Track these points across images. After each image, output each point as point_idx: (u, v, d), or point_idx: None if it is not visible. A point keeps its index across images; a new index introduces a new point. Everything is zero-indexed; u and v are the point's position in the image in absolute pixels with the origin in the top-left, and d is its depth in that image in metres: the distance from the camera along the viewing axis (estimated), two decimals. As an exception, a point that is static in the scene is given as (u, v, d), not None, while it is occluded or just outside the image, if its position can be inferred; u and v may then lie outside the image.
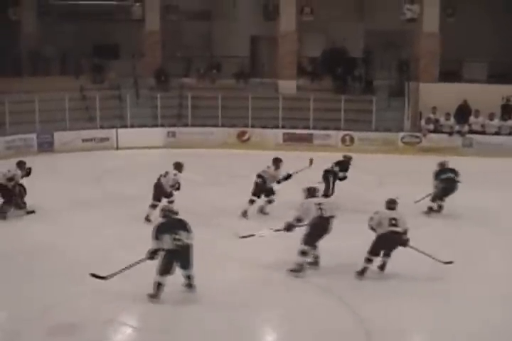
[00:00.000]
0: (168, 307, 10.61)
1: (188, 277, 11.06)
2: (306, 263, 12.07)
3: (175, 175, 15.08)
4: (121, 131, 24.61)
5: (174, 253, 10.72)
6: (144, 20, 28.90)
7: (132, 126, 25.07)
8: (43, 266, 12.27)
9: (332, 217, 11.96)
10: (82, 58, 28.20)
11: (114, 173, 20.47)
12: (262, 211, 15.98)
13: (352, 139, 24.45)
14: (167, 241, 10.70)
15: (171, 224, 10.94)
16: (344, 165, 17.06)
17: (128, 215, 15.51)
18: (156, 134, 24.77)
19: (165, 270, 10.73)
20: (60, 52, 28.45)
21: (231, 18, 29.73)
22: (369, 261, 11.71)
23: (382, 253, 11.77)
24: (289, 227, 12.17)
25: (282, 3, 26.85)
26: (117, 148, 24.31)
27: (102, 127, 24.93)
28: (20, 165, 15.73)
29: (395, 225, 11.51)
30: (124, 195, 17.53)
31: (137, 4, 29.15)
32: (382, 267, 12.00)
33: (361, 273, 11.75)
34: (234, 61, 28.04)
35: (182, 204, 16.16)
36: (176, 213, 11.37)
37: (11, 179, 15.33)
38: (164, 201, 14.98)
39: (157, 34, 28.59)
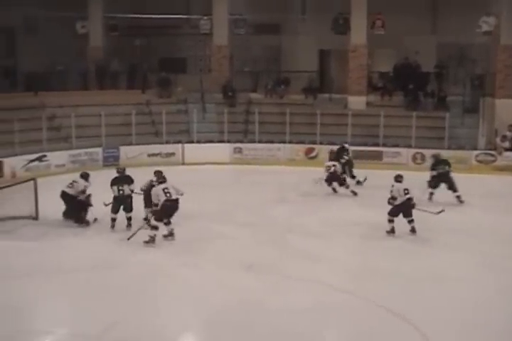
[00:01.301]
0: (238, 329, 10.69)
1: (129, 219, 15.88)
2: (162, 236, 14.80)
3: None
4: (187, 146, 24.95)
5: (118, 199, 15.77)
6: (211, 34, 29.29)
7: (198, 142, 25.38)
8: (106, 282, 12.47)
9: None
10: (149, 72, 28.72)
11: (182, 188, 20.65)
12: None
13: (423, 157, 24.17)
14: (114, 190, 15.78)
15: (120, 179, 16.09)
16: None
17: (191, 231, 15.73)
18: (223, 150, 25.06)
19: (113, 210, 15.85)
20: (127, 66, 29.01)
21: (300, 31, 29.89)
22: (391, 221, 15.31)
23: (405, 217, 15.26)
24: None
25: (353, 16, 26.90)
26: (183, 164, 24.62)
27: (167, 142, 25.33)
28: (85, 176, 16.46)
29: (408, 193, 15.14)
30: (187, 210, 17.70)
31: (205, 18, 29.52)
32: (413, 230, 15.36)
33: (391, 231, 15.37)
34: (302, 76, 28.16)
35: (249, 220, 16.47)
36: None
37: (83, 191, 16.21)
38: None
39: (225, 48, 28.97)
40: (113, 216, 15.92)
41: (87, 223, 16.34)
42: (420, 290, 12.11)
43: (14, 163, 21.68)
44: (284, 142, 25.50)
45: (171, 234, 15.08)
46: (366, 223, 16.50)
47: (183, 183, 20.64)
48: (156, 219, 14.81)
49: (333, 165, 19.76)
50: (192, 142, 25.34)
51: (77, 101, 25.73)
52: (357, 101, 26.92)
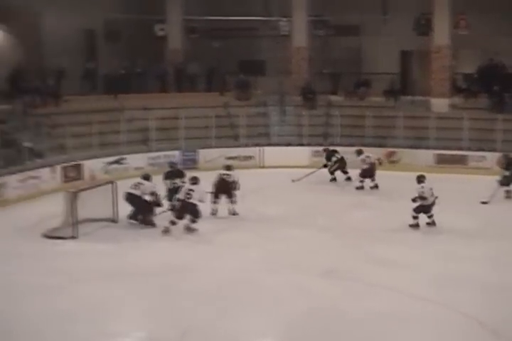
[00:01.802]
0: (315, 336, 10.51)
1: None
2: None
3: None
4: (266, 149, 24.90)
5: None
6: (291, 36, 29.20)
7: (277, 145, 25.28)
8: (185, 286, 12.48)
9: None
10: (228, 75, 28.78)
11: (258, 192, 20.64)
12: None
13: (508, 161, 23.58)
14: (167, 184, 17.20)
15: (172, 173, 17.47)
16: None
17: (269, 236, 15.69)
18: (302, 153, 24.89)
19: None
20: (206, 68, 29.13)
21: (381, 32, 29.51)
22: (416, 217, 15.98)
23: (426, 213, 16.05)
24: None
25: (436, 16, 26.43)
26: (262, 167, 24.58)
27: (246, 145, 25.33)
28: (148, 177, 16.92)
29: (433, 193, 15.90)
30: (266, 214, 17.69)
31: (284, 19, 29.46)
32: (433, 222, 16.26)
33: (415, 225, 16.11)
34: (384, 78, 27.82)
35: (328, 225, 16.29)
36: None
37: (153, 193, 16.53)
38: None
39: (304, 50, 28.83)
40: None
41: (153, 225, 16.51)
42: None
43: (93, 166, 21.98)
44: (364, 145, 25.09)
45: (167, 231, 15.85)
46: (450, 229, 16.14)
47: (261, 187, 20.83)
48: (175, 217, 15.89)
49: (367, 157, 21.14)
50: (271, 145, 25.27)
51: (155, 103, 25.98)
52: (440, 104, 26.40)
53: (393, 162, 24.65)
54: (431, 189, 16.05)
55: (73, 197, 15.86)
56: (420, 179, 16.20)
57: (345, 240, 15.49)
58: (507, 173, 19.14)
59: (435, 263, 13.79)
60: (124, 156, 22.19)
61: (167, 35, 30.33)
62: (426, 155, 24.47)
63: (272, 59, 30.74)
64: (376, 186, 21.00)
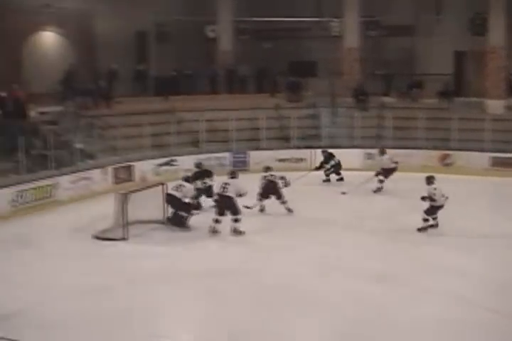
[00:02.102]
0: None
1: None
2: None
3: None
4: (317, 151, 24.64)
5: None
6: (342, 37, 29.07)
7: (329, 147, 24.94)
8: (233, 290, 12.45)
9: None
10: (279, 76, 28.71)
11: (308, 195, 20.54)
12: None
13: None
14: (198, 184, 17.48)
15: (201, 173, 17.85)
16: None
17: (318, 239, 15.59)
18: (354, 156, 24.62)
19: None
20: (256, 70, 29.13)
21: (434, 32, 29.20)
22: (427, 220, 15.91)
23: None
24: None
25: (492, 16, 26.05)
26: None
27: (297, 147, 25.18)
28: (188, 180, 16.99)
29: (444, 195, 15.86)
30: (315, 217, 17.57)
31: (336, 20, 29.35)
32: (437, 224, 16.15)
33: (424, 229, 16.02)
34: (437, 79, 27.49)
35: (381, 229, 16.10)
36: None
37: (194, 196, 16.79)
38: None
39: (356, 51, 28.64)
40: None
41: (188, 228, 16.56)
42: None
43: (144, 167, 22.11)
44: (417, 148, 24.86)
45: (214, 231, 16.07)
46: (506, 234, 15.88)
47: (311, 189, 20.72)
48: (216, 213, 16.10)
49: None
50: (322, 147, 24.94)
51: (206, 105, 26.06)
52: (495, 105, 26.02)
53: (447, 165, 24.32)
54: (439, 191, 15.89)
55: (124, 198, 15.96)
56: (430, 180, 16.07)
57: (397, 244, 15.33)
58: None
59: (489, 268, 13.57)
60: (175, 158, 22.25)
61: (218, 36, 30.42)
62: (481, 158, 24.06)
63: (323, 60, 30.64)
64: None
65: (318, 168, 22.52)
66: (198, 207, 17.00)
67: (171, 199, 16.63)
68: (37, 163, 19.85)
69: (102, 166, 20.91)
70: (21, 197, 18.36)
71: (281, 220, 17.54)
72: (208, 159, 23.58)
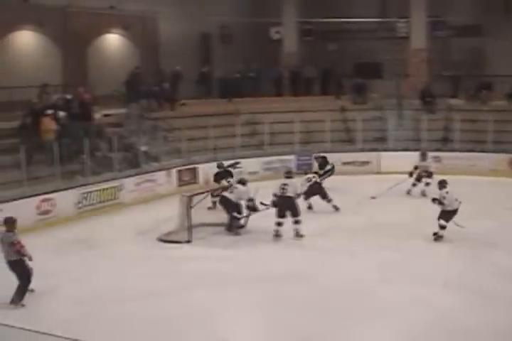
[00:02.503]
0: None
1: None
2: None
3: None
4: (383, 154, 24.50)
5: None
6: (409, 38, 28.77)
7: (395, 150, 24.77)
8: (298, 294, 12.31)
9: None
10: (344, 78, 28.52)
11: (375, 199, 20.31)
12: None
13: None
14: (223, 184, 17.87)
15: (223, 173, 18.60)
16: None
17: (382, 244, 15.31)
18: (420, 159, 24.26)
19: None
20: (321, 71, 28.99)
21: (504, 32, 28.64)
22: (444, 227, 15.45)
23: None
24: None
25: None
26: (378, 172, 24.19)
27: (362, 150, 24.98)
28: (243, 182, 16.94)
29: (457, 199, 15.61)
30: (380, 222, 17.35)
31: (402, 20, 29.06)
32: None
33: (440, 237, 15.51)
34: (507, 80, 26.89)
35: (447, 235, 15.79)
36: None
37: (251, 199, 16.65)
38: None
39: (423, 52, 28.38)
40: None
41: (237, 232, 16.47)
42: None
43: (208, 170, 22.12)
44: (485, 151, 24.39)
45: (278, 235, 16.00)
46: None
47: (378, 193, 20.50)
48: (277, 216, 15.97)
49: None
50: (388, 150, 24.80)
51: (270, 107, 26.05)
52: None
53: (517, 169, 23.80)
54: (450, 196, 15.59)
55: (188, 201, 16.00)
56: (442, 184, 15.82)
57: (465, 250, 14.98)
58: None
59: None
60: (239, 160, 22.25)
61: (282, 38, 30.42)
62: (553, 162, 23.52)
63: (389, 61, 30.35)
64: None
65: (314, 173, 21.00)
66: (255, 209, 16.89)
67: (223, 201, 16.63)
68: (102, 165, 20.06)
69: (166, 168, 21.00)
70: (86, 199, 18.57)
71: (336, 223, 17.33)
72: (272, 162, 23.63)
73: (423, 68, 28.23)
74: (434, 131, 25.33)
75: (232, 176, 18.97)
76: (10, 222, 12.35)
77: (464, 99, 27.32)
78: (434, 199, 15.67)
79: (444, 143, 25.27)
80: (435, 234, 15.61)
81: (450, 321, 10.96)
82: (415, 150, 24.17)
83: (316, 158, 21.66)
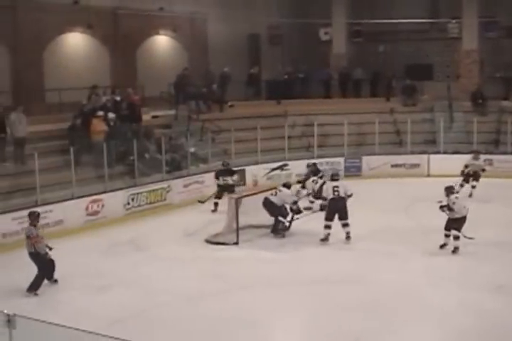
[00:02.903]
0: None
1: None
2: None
3: None
4: (433, 157, 24.24)
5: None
6: (460, 39, 28.50)
7: (445, 152, 24.51)
8: (344, 298, 12.27)
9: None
10: (393, 79, 28.32)
11: (423, 202, 20.09)
12: None
13: None
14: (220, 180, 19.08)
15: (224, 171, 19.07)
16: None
17: (431, 248, 15.09)
18: (471, 161, 23.97)
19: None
20: (371, 73, 28.85)
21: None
22: (458, 237, 14.61)
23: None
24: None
25: None
26: (428, 175, 23.96)
27: (412, 152, 24.73)
28: (288, 186, 16.92)
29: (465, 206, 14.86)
30: (432, 226, 17.12)
31: (453, 21, 28.79)
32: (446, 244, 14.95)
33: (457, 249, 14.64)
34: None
35: (500, 239, 15.58)
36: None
37: (295, 202, 16.58)
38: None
39: (475, 53, 28.10)
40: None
41: (282, 235, 16.42)
42: None
43: (256, 171, 22.17)
44: (538, 153, 24.01)
45: (326, 238, 15.88)
46: None
47: (427, 196, 20.30)
48: (325, 219, 15.81)
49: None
50: (438, 153, 24.54)
51: (318, 109, 25.99)
52: None
53: None
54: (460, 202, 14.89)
55: (236, 202, 16.03)
56: (450, 190, 15.00)
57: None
58: None
59: None
60: (287, 162, 22.22)
61: (331, 39, 30.34)
62: None
63: (439, 63, 30.19)
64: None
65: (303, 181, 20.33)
66: (299, 211, 16.84)
67: (267, 204, 16.53)
68: (150, 167, 20.20)
69: (214, 170, 21.06)
70: (135, 200, 18.73)
71: (384, 226, 17.12)
72: (320, 164, 23.49)
73: (474, 69, 27.97)
74: (486, 133, 25.00)
75: (232, 175, 19.41)
76: (33, 216, 12.91)
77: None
78: (442, 207, 14.91)
79: (496, 145, 24.93)
80: (443, 245, 14.96)
81: (499, 326, 10.83)
82: (466, 152, 24.02)
83: (308, 165, 20.72)
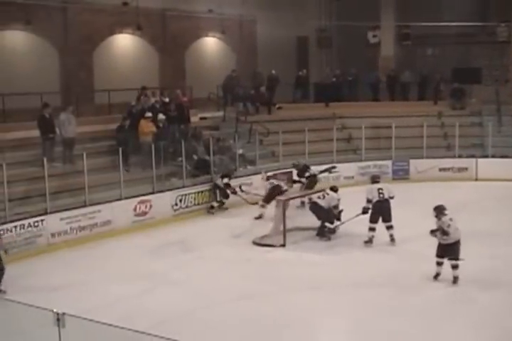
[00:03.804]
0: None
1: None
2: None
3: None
4: (481, 161, 23.84)
5: None
6: (509, 42, 28.15)
7: (493, 156, 24.10)
8: (390, 302, 12.02)
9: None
10: (442, 83, 27.94)
11: (470, 206, 19.76)
12: None
13: None
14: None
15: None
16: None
17: (478, 252, 14.57)
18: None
19: None
20: (419, 76, 28.51)
21: None
22: (440, 263, 12.96)
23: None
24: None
25: None
26: (476, 179, 23.57)
27: (460, 156, 24.34)
28: (335, 189, 16.69)
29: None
30: (476, 229, 16.75)
31: (503, 25, 28.37)
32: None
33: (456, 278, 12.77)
34: None
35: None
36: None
37: (336, 206, 16.40)
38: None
39: (525, 56, 27.59)
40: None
41: (328, 238, 16.20)
42: None
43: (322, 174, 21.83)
44: None
45: (370, 241, 15.71)
46: None
47: (475, 200, 20.02)
48: (370, 221, 15.66)
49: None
50: (486, 157, 24.14)
51: (367, 112, 25.80)
52: None
53: None
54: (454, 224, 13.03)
55: (284, 205, 15.88)
56: (441, 210, 13.05)
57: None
58: None
59: None
60: (335, 165, 21.98)
61: (380, 42, 30.11)
62: None
63: (488, 66, 29.74)
64: None
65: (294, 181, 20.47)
66: (339, 217, 16.52)
67: (314, 208, 16.38)
68: (198, 168, 20.11)
69: (261, 172, 20.93)
70: (182, 201, 18.65)
71: (424, 229, 16.78)
72: (368, 167, 23.30)
73: (524, 73, 27.50)
74: (536, 137, 24.52)
75: (229, 176, 19.38)
76: None
77: None
78: (433, 231, 12.97)
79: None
80: (436, 275, 13.03)
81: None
82: (515, 157, 23.66)
83: (294, 165, 20.64)
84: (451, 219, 12.88)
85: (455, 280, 12.75)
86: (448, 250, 12.81)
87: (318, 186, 19.38)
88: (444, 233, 12.71)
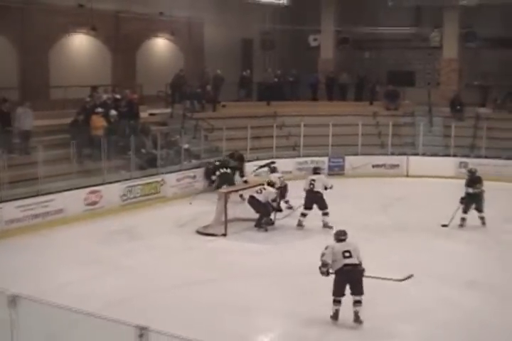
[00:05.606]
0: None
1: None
2: None
3: None
4: (412, 158, 24.60)
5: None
6: (441, 48, 28.80)
7: (424, 155, 24.89)
8: (326, 288, 12.16)
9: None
10: (377, 85, 28.64)
11: (402, 201, 20.43)
12: None
13: None
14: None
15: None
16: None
17: (410, 245, 15.33)
18: (448, 164, 24.28)
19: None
20: (356, 78, 29.14)
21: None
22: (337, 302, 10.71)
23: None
24: None
25: None
26: (407, 176, 24.32)
27: (392, 154, 25.04)
28: (272, 184, 17.21)
29: (350, 257, 10.60)
30: (408, 223, 17.38)
31: (435, 30, 29.06)
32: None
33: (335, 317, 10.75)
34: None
35: (477, 237, 15.88)
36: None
37: (274, 200, 16.83)
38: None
39: (454, 62, 28.42)
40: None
41: (265, 229, 16.66)
42: None
43: (245, 168, 22.37)
44: (510, 158, 24.31)
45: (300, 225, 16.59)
46: None
47: (405, 195, 20.65)
48: (304, 208, 16.72)
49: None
50: (417, 155, 24.91)
51: (306, 111, 26.32)
52: None
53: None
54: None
55: (225, 197, 16.32)
56: (340, 237, 10.93)
57: (494, 253, 14.97)
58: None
59: None
60: (274, 160, 22.47)
61: (320, 45, 30.62)
62: None
63: (421, 70, 30.51)
64: None
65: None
66: (279, 209, 17.19)
67: (253, 202, 16.76)
68: (146, 161, 20.45)
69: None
70: (131, 192, 18.98)
71: (364, 223, 17.12)
72: (305, 163, 23.82)
73: (454, 77, 28.31)
74: (462, 137, 25.31)
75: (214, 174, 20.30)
76: None
77: (492, 108, 27.20)
78: (321, 268, 10.77)
79: (472, 149, 25.24)
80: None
81: (475, 322, 10.95)
82: (443, 155, 24.42)
83: (267, 164, 20.75)
84: (326, 248, 10.80)
85: (357, 318, 10.64)
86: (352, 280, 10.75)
87: (256, 180, 19.83)
88: (324, 265, 10.73)
